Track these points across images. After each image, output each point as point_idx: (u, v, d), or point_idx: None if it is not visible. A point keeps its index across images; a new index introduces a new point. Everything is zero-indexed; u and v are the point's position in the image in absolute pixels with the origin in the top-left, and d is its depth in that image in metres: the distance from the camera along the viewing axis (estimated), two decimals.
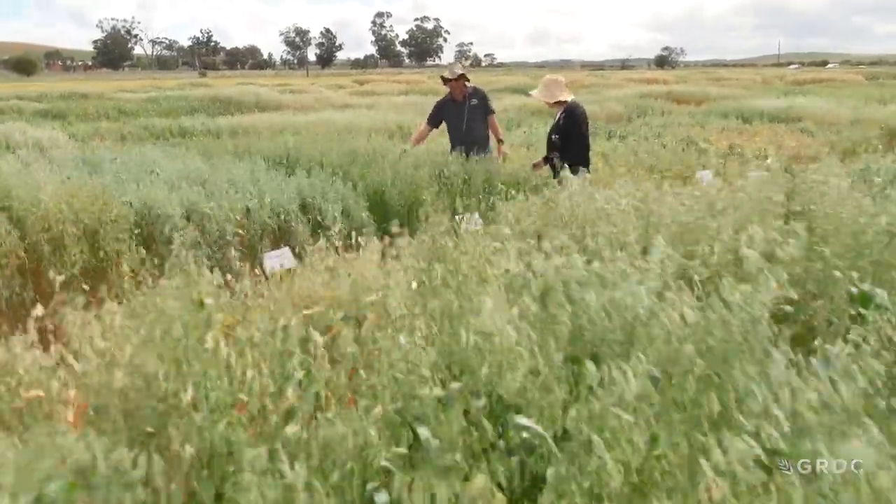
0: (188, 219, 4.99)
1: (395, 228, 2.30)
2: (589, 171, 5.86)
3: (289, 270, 3.10)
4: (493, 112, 7.17)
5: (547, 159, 6.54)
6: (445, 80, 6.98)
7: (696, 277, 2.17)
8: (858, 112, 13.96)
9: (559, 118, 5.98)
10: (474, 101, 6.99)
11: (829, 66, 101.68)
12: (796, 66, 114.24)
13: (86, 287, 3.10)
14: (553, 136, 6.00)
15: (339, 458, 1.46)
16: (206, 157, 7.31)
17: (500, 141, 7.14)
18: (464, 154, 6.86)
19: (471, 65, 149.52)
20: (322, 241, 2.74)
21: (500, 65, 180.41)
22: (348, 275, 2.39)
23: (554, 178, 6.05)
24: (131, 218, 4.85)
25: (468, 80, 7.04)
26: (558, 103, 5.97)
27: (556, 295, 1.87)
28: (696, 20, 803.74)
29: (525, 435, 1.49)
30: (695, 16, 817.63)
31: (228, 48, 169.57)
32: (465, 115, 6.96)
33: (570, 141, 5.88)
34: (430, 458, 1.38)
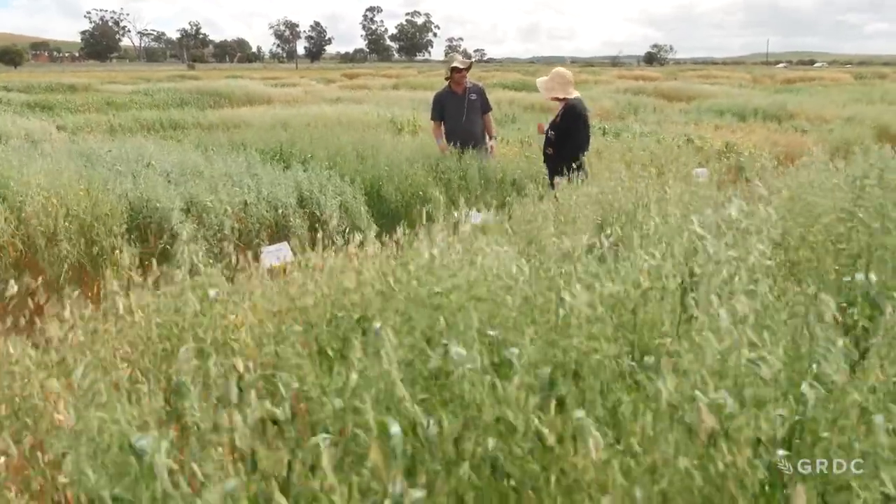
0: (187, 212, 4.94)
1: None
2: (584, 171, 5.84)
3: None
4: (490, 109, 7.22)
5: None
6: (456, 70, 6.88)
7: None
8: (850, 110, 14.02)
9: (557, 115, 5.97)
10: (473, 96, 6.99)
11: (817, 65, 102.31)
12: (784, 64, 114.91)
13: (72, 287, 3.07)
14: (549, 133, 5.99)
15: None
16: (200, 149, 7.25)
17: (491, 137, 7.22)
18: (459, 148, 6.86)
19: None
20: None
21: (490, 60, 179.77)
22: None
23: (549, 175, 6.04)
24: (125, 213, 4.80)
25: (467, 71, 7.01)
26: (560, 99, 5.94)
27: None
28: (687, 17, 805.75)
29: None
30: (685, 13, 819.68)
31: (217, 41, 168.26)
32: (465, 108, 6.94)
33: (565, 139, 5.87)
34: None
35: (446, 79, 7.05)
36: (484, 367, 1.54)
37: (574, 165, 5.77)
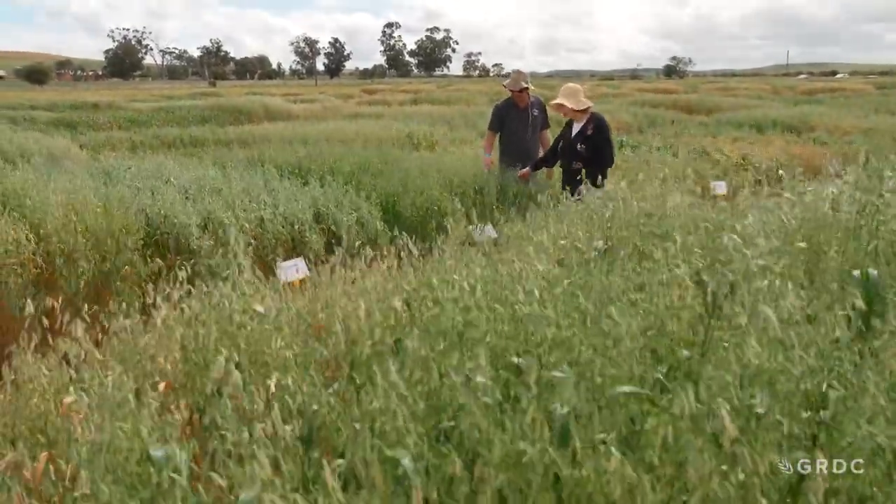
0: (204, 228, 4.99)
1: None
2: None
3: None
4: (548, 126, 6.96)
5: (536, 166, 6.52)
6: (523, 90, 6.70)
7: None
8: (871, 121, 13.89)
9: (584, 128, 5.90)
10: (536, 112, 6.77)
11: (839, 76, 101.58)
12: (805, 75, 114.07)
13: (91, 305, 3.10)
14: (579, 147, 5.90)
15: None
16: (219, 166, 7.32)
17: None
18: (512, 166, 6.57)
19: (479, 75, 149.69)
20: None
21: (509, 75, 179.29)
22: None
23: (569, 188, 5.93)
24: (142, 229, 4.85)
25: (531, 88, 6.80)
26: (583, 111, 5.93)
27: None
28: (705, 28, 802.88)
29: None
30: (703, 23, 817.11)
31: (238, 58, 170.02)
32: (528, 124, 6.72)
33: (597, 151, 5.80)
34: None
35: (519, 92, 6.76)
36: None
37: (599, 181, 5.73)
